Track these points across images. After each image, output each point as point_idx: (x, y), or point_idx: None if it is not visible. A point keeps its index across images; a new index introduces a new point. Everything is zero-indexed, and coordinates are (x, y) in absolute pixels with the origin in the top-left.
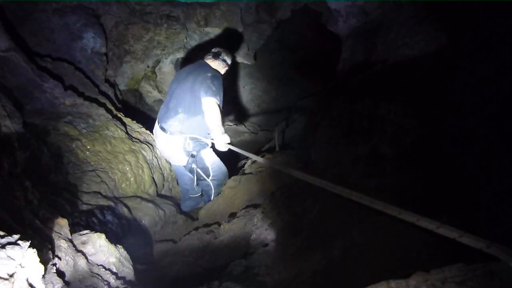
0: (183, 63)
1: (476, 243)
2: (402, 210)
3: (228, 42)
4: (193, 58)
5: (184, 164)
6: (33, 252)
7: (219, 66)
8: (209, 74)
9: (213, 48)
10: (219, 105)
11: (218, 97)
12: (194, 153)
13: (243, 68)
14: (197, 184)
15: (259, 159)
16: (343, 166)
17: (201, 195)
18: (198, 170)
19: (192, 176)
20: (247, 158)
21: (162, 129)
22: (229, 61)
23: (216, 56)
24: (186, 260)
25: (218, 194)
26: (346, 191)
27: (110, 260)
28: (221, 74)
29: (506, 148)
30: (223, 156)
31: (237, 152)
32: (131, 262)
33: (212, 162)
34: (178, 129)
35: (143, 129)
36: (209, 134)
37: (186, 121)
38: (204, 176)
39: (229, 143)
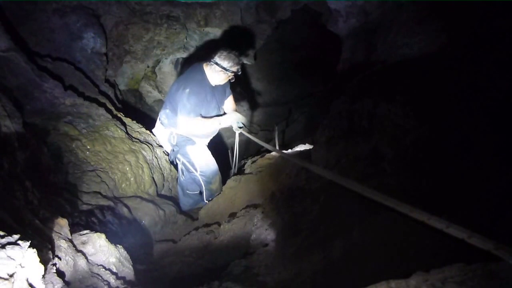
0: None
1: (484, 244)
2: (413, 208)
3: (228, 42)
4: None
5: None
6: (33, 252)
7: (211, 70)
8: (187, 90)
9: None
10: (195, 118)
11: (192, 114)
12: (177, 148)
13: (243, 68)
14: (183, 174)
15: (270, 147)
16: (343, 166)
17: (200, 193)
18: (185, 162)
19: (179, 165)
20: (247, 158)
21: (158, 118)
22: (223, 64)
23: (208, 60)
24: (186, 260)
25: (210, 193)
26: (358, 186)
27: (110, 260)
28: (207, 84)
29: (506, 148)
30: (219, 156)
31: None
32: (131, 262)
33: (198, 157)
34: (165, 122)
35: (143, 129)
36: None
37: (172, 118)
38: (192, 169)
39: (240, 127)
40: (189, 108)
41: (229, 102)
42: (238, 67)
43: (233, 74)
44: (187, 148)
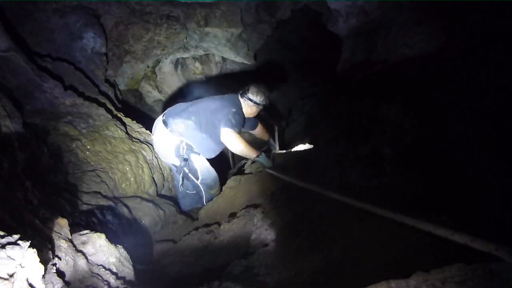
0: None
1: (486, 246)
2: (420, 221)
3: (228, 42)
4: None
5: (174, 163)
6: (33, 252)
7: (245, 104)
8: (234, 110)
9: (249, 84)
10: (238, 132)
11: (236, 128)
12: (186, 157)
13: (243, 68)
14: (182, 184)
15: (299, 183)
16: (343, 166)
17: (199, 196)
18: (186, 170)
19: (179, 175)
20: (246, 158)
21: (165, 123)
22: (256, 99)
23: (242, 94)
24: (186, 260)
25: (210, 196)
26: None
27: (110, 260)
28: (244, 112)
29: (506, 148)
30: (217, 160)
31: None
32: (131, 262)
33: (201, 165)
34: (181, 131)
35: (143, 129)
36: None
37: (192, 130)
38: (193, 178)
39: (269, 168)
40: (234, 123)
41: (259, 130)
42: (268, 100)
43: (263, 106)
44: (191, 156)
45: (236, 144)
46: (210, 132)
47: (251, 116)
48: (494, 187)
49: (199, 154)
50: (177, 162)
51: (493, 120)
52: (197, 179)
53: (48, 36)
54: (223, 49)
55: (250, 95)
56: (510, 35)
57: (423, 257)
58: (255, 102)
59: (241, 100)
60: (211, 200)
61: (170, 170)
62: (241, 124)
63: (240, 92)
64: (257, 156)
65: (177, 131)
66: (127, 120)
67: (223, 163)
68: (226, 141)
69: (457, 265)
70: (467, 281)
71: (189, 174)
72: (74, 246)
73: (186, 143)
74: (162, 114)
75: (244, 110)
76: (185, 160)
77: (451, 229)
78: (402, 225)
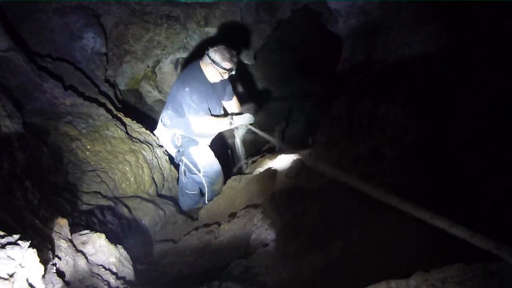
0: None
1: (486, 244)
2: (417, 207)
3: (228, 42)
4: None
5: (173, 154)
6: (33, 252)
7: (204, 64)
8: (187, 89)
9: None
10: (205, 115)
11: (201, 112)
12: (182, 148)
13: (243, 68)
14: (185, 175)
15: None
16: (343, 166)
17: (201, 193)
18: (188, 162)
19: (181, 167)
20: (247, 158)
21: (160, 119)
22: (216, 58)
23: (204, 58)
24: (186, 260)
25: (212, 194)
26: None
27: (110, 260)
28: (205, 80)
29: (506, 148)
30: (220, 156)
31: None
32: (131, 262)
33: (202, 158)
34: (168, 123)
35: (143, 129)
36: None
37: (174, 118)
38: (195, 170)
39: (251, 124)
40: (196, 107)
41: (233, 104)
42: (231, 65)
43: (225, 71)
44: (190, 149)
45: (206, 126)
46: (184, 113)
47: (214, 80)
48: (494, 187)
49: (197, 143)
50: (174, 152)
51: (493, 120)
52: (199, 172)
53: (48, 36)
54: None
55: (210, 53)
56: (510, 35)
57: (423, 257)
58: (213, 61)
59: (202, 62)
60: (213, 198)
61: (170, 170)
62: (203, 100)
63: (202, 57)
64: (230, 123)
65: (167, 124)
66: (127, 120)
67: (223, 163)
68: (196, 128)
69: (457, 265)
70: (467, 281)
71: (191, 166)
72: (74, 246)
73: (179, 133)
74: None
75: (206, 74)
76: (179, 151)
77: (449, 220)
78: (402, 225)
